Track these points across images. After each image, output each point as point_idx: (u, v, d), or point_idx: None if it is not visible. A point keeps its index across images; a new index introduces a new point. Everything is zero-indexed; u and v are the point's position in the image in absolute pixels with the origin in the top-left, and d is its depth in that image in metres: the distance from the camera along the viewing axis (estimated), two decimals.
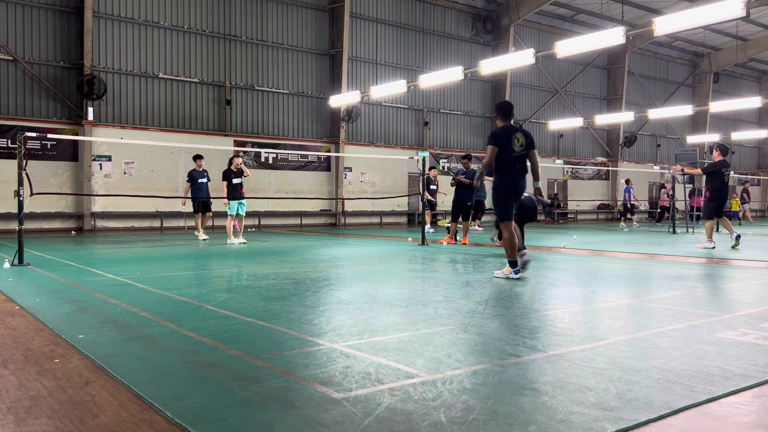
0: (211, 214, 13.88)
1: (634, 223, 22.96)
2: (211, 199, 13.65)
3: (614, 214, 30.04)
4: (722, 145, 11.30)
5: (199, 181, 13.38)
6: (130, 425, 2.38)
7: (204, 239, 13.35)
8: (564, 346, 3.60)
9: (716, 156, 11.14)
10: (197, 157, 13.57)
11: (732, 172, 34.56)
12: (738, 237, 10.96)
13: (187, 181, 13.51)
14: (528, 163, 6.96)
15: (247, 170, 12.85)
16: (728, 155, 11.20)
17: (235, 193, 12.51)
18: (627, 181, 22.86)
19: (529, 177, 6.90)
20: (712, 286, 6.58)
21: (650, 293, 5.93)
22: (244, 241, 12.65)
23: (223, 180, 12.61)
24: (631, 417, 2.40)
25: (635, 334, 3.97)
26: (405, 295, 5.71)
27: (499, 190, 6.81)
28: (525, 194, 7.36)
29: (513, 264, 6.66)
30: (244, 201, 12.73)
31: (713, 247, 10.82)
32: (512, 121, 6.93)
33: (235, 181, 12.55)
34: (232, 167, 12.63)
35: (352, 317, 4.50)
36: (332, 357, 3.33)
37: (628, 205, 22.59)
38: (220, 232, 17.12)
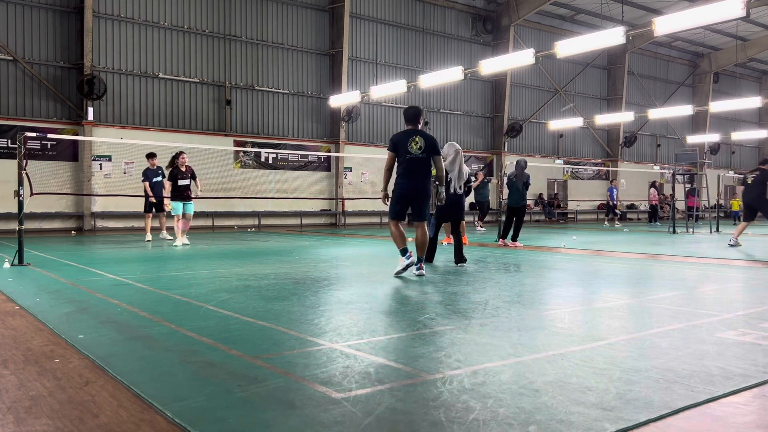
0: (165, 213, 13.42)
1: (606, 223, 23.19)
2: (165, 199, 13.04)
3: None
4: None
5: (154, 180, 13.12)
6: (130, 425, 2.38)
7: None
8: (564, 346, 3.60)
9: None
10: (150, 156, 13.21)
11: (731, 173, 34.57)
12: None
13: (143, 180, 13.23)
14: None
15: (198, 186, 12.29)
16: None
17: (179, 193, 11.98)
18: (611, 181, 23.05)
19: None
20: (712, 286, 6.58)
21: (650, 293, 5.93)
22: (187, 242, 12.09)
23: (168, 179, 12.12)
24: (631, 417, 2.40)
25: (635, 334, 3.97)
26: (405, 294, 5.71)
27: (394, 191, 6.97)
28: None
29: (404, 252, 6.79)
30: (191, 201, 12.16)
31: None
32: (419, 126, 7.01)
33: (182, 182, 12.03)
34: (180, 167, 12.03)
35: (352, 317, 4.50)
36: (332, 357, 3.33)
37: (611, 204, 22.86)
38: (221, 232, 17.13)
